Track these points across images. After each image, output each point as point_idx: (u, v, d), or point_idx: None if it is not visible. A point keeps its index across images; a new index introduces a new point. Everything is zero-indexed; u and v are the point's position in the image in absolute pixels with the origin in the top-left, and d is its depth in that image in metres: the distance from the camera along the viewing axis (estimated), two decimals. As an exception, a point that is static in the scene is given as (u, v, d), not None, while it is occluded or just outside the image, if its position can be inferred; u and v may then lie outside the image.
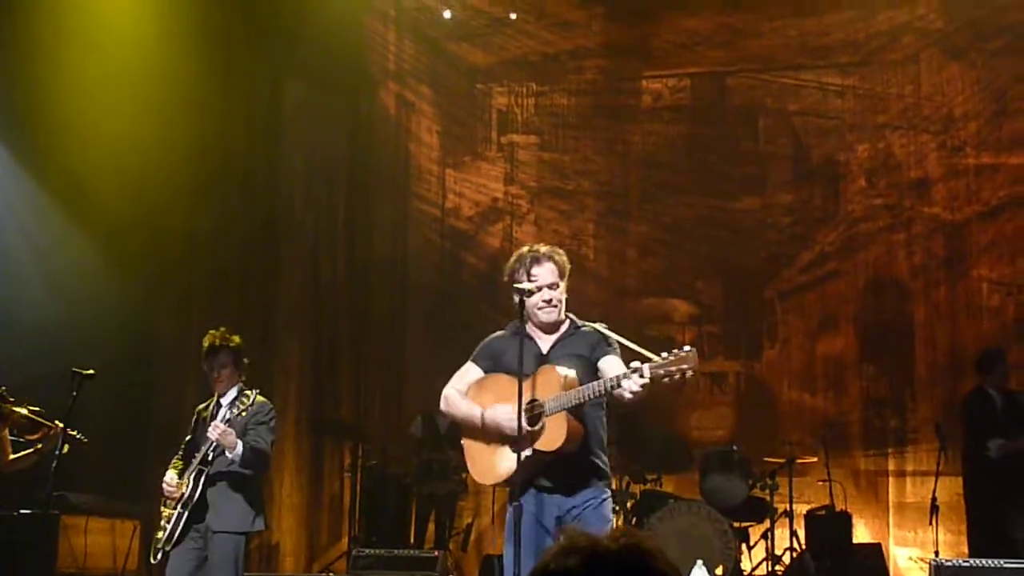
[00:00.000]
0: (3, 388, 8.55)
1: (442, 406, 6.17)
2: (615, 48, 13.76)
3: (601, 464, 5.97)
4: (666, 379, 5.42)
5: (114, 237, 11.62)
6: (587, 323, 6.08)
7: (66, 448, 7.89)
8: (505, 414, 5.76)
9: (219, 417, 7.49)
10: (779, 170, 13.30)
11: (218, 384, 7.70)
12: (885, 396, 12.66)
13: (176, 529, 7.38)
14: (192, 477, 7.38)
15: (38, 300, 10.92)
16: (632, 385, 5.42)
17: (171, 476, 7.52)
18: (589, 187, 13.74)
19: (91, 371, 7.85)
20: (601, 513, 5.90)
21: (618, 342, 5.90)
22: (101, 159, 11.28)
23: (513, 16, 13.82)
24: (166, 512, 7.50)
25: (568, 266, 6.07)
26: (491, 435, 5.91)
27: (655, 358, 5.43)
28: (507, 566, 5.77)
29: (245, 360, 7.75)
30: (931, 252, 12.73)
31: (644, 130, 13.67)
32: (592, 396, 5.64)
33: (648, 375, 5.40)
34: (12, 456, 8.61)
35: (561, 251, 6.11)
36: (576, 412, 5.73)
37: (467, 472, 6.29)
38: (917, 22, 12.95)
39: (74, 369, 7.82)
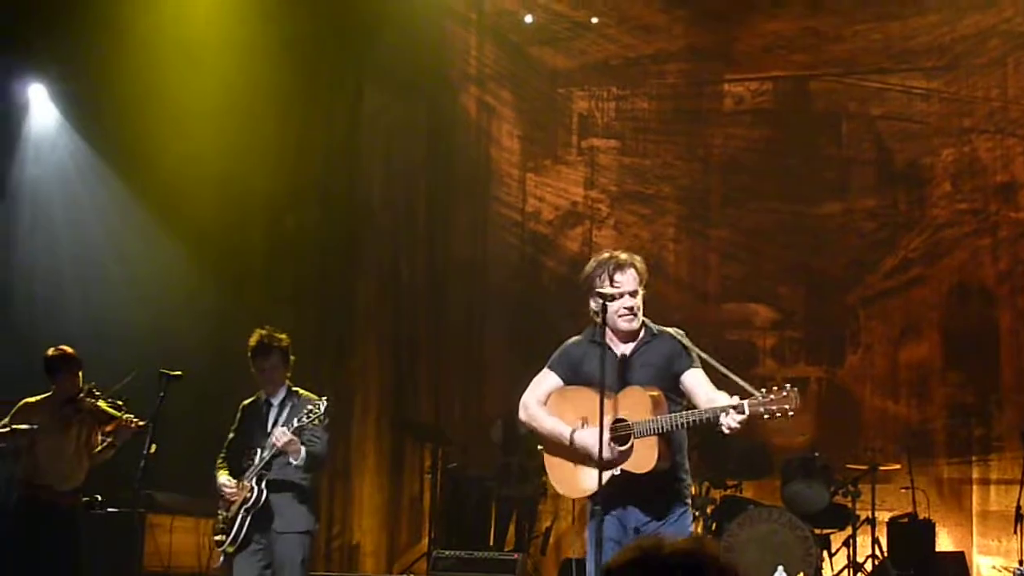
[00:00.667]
0: (92, 384, 8.69)
1: (521, 415, 6.11)
2: (697, 52, 13.68)
3: (684, 477, 5.95)
4: (765, 416, 5.36)
5: (199, 243, 11.79)
6: (663, 328, 5.99)
7: (153, 448, 7.99)
8: (596, 443, 5.66)
9: (273, 419, 7.60)
10: (862, 175, 13.17)
11: (268, 384, 7.72)
12: (970, 403, 12.49)
13: (240, 532, 7.45)
14: (254, 481, 7.43)
15: (126, 306, 11.11)
16: (731, 422, 5.39)
17: (226, 479, 7.60)
18: (670, 191, 13.68)
19: (179, 372, 7.95)
20: (681, 526, 5.87)
21: (711, 365, 5.80)
22: (187, 166, 11.46)
23: (594, 20, 13.81)
24: (223, 515, 7.58)
25: (646, 273, 5.98)
26: (577, 454, 5.84)
27: (755, 392, 5.38)
28: (589, 573, 5.80)
29: (292, 358, 7.77)
30: (1017, 257, 12.55)
31: (726, 134, 13.59)
32: (686, 424, 5.60)
33: (748, 412, 5.36)
34: (96, 449, 8.77)
35: (639, 257, 6.01)
36: (665, 434, 5.68)
37: (547, 475, 6.26)
38: (1003, 25, 12.77)
39: (162, 370, 7.92)
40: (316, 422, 7.29)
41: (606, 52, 13.91)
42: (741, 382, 5.46)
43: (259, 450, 7.50)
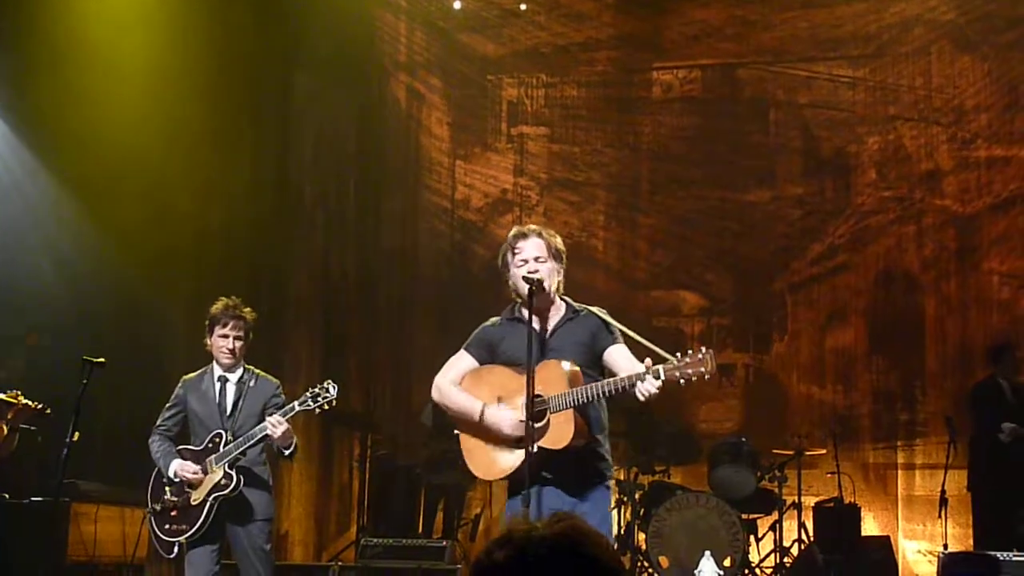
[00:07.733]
0: None
1: (435, 396, 5.95)
2: (626, 40, 13.74)
3: (604, 453, 5.77)
4: (682, 381, 5.28)
5: (125, 230, 11.61)
6: (585, 307, 5.86)
7: (76, 436, 7.86)
8: (507, 417, 5.60)
9: (232, 398, 7.26)
10: (789, 162, 13.28)
11: (227, 356, 7.30)
12: (894, 389, 12.64)
13: (208, 521, 7.06)
14: (226, 467, 7.05)
15: (51, 294, 10.94)
16: (648, 387, 5.27)
17: (181, 464, 7.19)
18: (599, 179, 13.73)
19: (102, 359, 7.82)
20: (600, 506, 5.71)
21: (630, 336, 5.70)
22: (112, 152, 11.27)
23: (524, 7, 13.81)
24: (173, 500, 7.22)
25: (561, 248, 5.86)
26: (489, 432, 5.71)
27: (670, 358, 5.26)
28: None
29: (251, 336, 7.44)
30: (942, 245, 12.71)
31: (654, 122, 13.66)
32: (603, 394, 5.46)
33: (664, 377, 5.25)
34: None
35: (552, 232, 5.93)
36: (581, 407, 5.54)
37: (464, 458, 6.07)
38: (928, 14, 12.93)
39: (85, 357, 7.78)
40: (326, 407, 6.94)
41: (535, 39, 13.92)
42: (659, 350, 5.33)
43: (223, 432, 7.14)
